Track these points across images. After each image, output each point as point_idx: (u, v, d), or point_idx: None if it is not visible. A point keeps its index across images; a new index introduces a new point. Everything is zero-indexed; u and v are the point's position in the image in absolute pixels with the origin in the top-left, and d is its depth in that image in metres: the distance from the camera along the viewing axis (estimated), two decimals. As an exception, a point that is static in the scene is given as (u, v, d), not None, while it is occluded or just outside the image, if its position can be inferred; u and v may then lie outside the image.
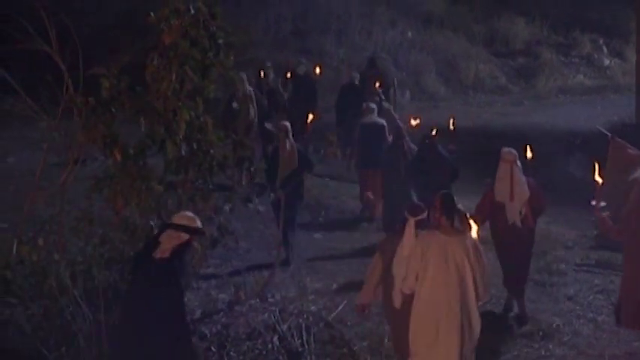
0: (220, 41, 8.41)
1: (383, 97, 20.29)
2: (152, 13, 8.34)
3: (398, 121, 16.60)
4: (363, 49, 30.29)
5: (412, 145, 14.73)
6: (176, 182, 8.65)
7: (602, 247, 14.37)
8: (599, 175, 9.88)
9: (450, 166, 13.69)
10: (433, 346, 8.27)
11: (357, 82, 21.98)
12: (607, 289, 12.21)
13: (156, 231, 8.31)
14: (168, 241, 7.60)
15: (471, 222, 8.74)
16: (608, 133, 14.98)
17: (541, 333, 11.04)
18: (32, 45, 8.91)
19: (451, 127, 14.81)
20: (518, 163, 11.30)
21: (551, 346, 10.74)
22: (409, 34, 32.71)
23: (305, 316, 11.03)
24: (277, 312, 10.94)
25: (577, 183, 16.29)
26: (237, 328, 10.63)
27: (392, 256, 8.77)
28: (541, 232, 13.21)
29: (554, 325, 11.28)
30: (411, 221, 8.85)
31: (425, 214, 8.92)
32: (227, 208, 8.74)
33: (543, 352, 10.58)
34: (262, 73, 21.75)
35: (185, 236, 7.59)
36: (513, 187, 11.21)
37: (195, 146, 8.19)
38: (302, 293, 12.18)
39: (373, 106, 17.53)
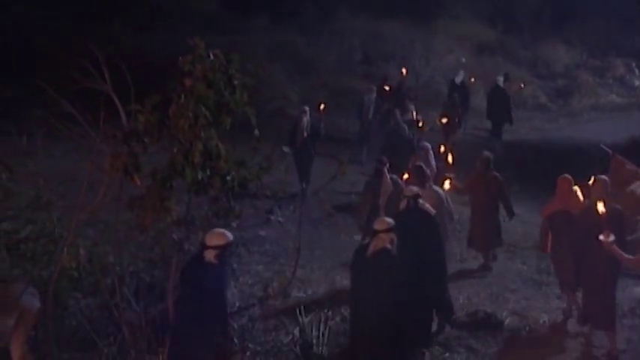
0: (236, 82, 8.36)
1: None
2: (180, 58, 8.34)
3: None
4: (421, 73, 30.01)
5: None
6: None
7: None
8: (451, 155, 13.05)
9: (409, 145, 16.65)
10: None
11: (501, 85, 24.84)
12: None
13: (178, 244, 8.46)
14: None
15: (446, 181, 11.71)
16: (609, 151, 14.60)
17: (527, 328, 10.75)
18: (93, 84, 8.91)
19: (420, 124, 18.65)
20: (432, 152, 14.70)
21: (532, 341, 10.46)
22: (463, 59, 32.26)
23: (326, 310, 10.93)
24: (302, 307, 10.85)
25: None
26: (266, 320, 10.61)
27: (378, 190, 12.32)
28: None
29: (540, 321, 10.96)
30: (384, 169, 12.63)
31: (387, 165, 12.75)
32: (234, 224, 8.70)
33: (526, 346, 10.31)
34: (388, 86, 24.17)
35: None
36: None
37: (208, 172, 8.16)
38: (330, 290, 12.08)
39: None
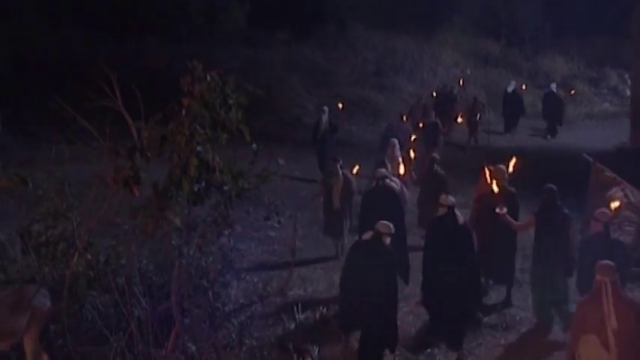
0: (231, 101, 8.28)
1: None
2: (180, 79, 8.28)
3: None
4: (428, 84, 29.85)
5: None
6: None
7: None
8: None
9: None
10: None
11: (555, 90, 26.59)
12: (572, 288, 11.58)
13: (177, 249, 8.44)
14: None
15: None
16: (590, 159, 14.43)
17: (504, 324, 10.64)
18: (106, 102, 8.83)
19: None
20: (398, 147, 15.58)
21: (510, 336, 10.34)
22: (468, 71, 32.04)
23: (321, 307, 10.87)
24: (300, 304, 10.79)
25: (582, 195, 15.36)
26: (265, 317, 10.56)
27: (332, 185, 13.21)
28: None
29: (517, 318, 10.86)
30: (338, 165, 13.33)
31: (340, 162, 13.50)
32: (227, 232, 8.67)
33: (502, 342, 10.19)
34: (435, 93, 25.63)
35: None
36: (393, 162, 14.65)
37: (204, 184, 8.12)
38: (329, 287, 12.00)
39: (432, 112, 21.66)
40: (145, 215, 7.89)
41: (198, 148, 8.08)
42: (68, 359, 8.87)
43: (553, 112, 26.25)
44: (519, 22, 36.04)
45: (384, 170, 12.14)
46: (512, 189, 11.41)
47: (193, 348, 9.07)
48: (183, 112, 8.06)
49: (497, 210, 10.57)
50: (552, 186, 10.62)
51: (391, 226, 9.28)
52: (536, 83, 33.15)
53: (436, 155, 14.47)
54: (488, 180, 11.15)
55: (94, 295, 9.68)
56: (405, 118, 20.28)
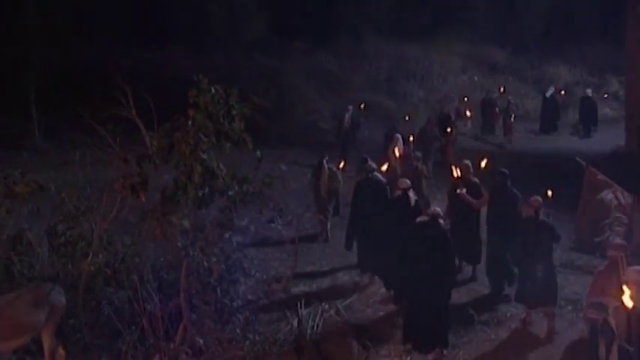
0: (234, 112, 8.33)
1: None
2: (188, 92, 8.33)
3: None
4: (438, 91, 29.78)
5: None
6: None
7: (578, 249, 13.71)
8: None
9: None
10: None
11: (590, 95, 27.21)
12: (560, 285, 11.49)
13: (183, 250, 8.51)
14: None
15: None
16: (583, 163, 14.35)
17: (496, 320, 10.58)
18: (121, 111, 8.91)
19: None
20: (401, 140, 16.18)
21: (500, 332, 10.28)
22: (476, 78, 31.86)
23: (324, 303, 10.86)
24: (303, 300, 10.78)
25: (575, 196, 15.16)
26: (271, 312, 10.58)
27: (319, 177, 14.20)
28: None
29: (508, 315, 10.78)
30: (324, 161, 14.28)
31: (326, 158, 14.55)
32: (227, 235, 8.73)
33: (493, 337, 10.13)
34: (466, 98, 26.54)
35: None
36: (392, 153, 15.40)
37: (207, 189, 8.18)
38: (333, 285, 12.02)
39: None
40: (152, 219, 7.97)
41: (203, 156, 8.18)
42: (84, 352, 8.96)
43: (588, 114, 26.89)
44: (524, 31, 35.78)
45: (373, 164, 12.76)
46: (476, 180, 12.22)
47: (201, 342, 9.12)
48: (189, 122, 8.17)
49: (458, 191, 11.86)
50: (504, 170, 11.72)
51: (441, 210, 9.81)
52: (541, 89, 32.73)
53: (418, 153, 15.41)
54: (454, 172, 12.21)
55: (110, 291, 9.75)
56: (407, 118, 21.45)
